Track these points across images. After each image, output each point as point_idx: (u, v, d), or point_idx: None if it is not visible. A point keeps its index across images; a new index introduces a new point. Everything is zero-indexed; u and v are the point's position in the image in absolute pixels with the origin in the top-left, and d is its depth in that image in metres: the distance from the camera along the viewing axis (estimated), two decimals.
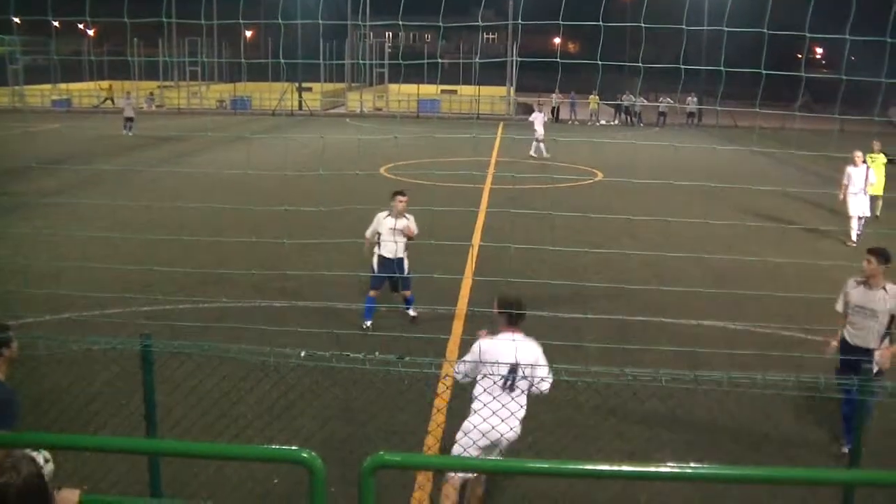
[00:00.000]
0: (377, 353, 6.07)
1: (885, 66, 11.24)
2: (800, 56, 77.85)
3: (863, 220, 19.58)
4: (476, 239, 18.05)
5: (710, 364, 9.58)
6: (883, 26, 9.10)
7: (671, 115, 53.66)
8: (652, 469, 4.05)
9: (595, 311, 13.09)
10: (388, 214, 12.52)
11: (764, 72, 8.09)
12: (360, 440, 8.64)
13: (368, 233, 12.64)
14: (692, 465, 4.41)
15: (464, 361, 7.33)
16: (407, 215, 12.52)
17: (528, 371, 7.07)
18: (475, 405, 7.17)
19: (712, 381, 8.35)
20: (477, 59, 58.48)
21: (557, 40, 74.42)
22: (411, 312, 13.03)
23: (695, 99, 53.39)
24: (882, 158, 21.88)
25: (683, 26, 8.50)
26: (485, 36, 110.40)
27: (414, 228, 12.53)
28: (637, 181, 21.57)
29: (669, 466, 4.16)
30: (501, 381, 7.10)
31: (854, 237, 19.23)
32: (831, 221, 20.59)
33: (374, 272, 12.67)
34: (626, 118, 54.56)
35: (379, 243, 12.59)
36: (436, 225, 17.94)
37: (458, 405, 9.47)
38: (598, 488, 7.99)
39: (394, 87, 59.44)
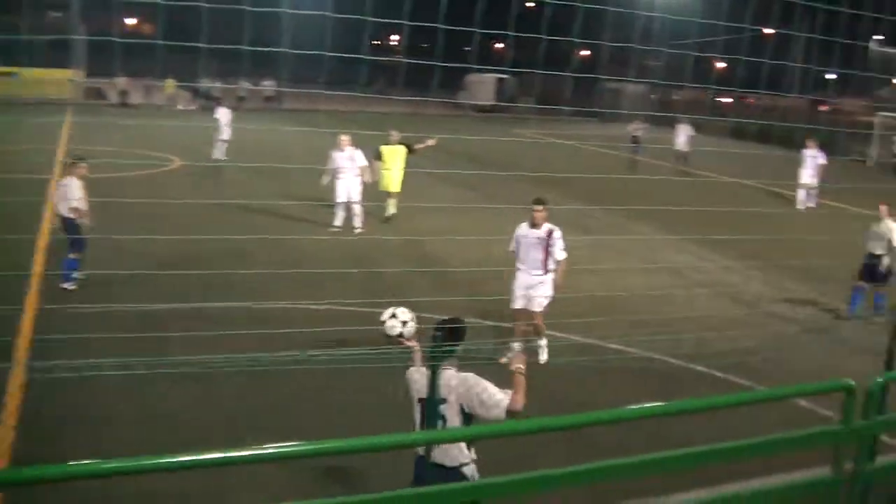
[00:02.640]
0: None
1: (443, 50, 12.05)
2: (377, 42, 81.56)
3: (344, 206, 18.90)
4: (44, 230, 16.73)
5: (297, 342, 9.74)
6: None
7: (252, 100, 53.71)
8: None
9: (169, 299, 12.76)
10: None
11: (328, 54, 8.31)
12: None
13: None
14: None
15: None
16: None
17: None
18: None
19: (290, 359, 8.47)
20: (37, 38, 54.16)
21: (133, 21, 71.24)
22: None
23: (273, 83, 53.84)
24: (402, 150, 20.14)
25: (248, 7, 8.47)
26: (51, 14, 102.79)
27: None
28: (210, 164, 21.11)
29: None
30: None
31: (339, 222, 18.84)
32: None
33: None
34: (206, 102, 53.67)
35: None
36: None
37: None
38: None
39: None
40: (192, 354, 9.51)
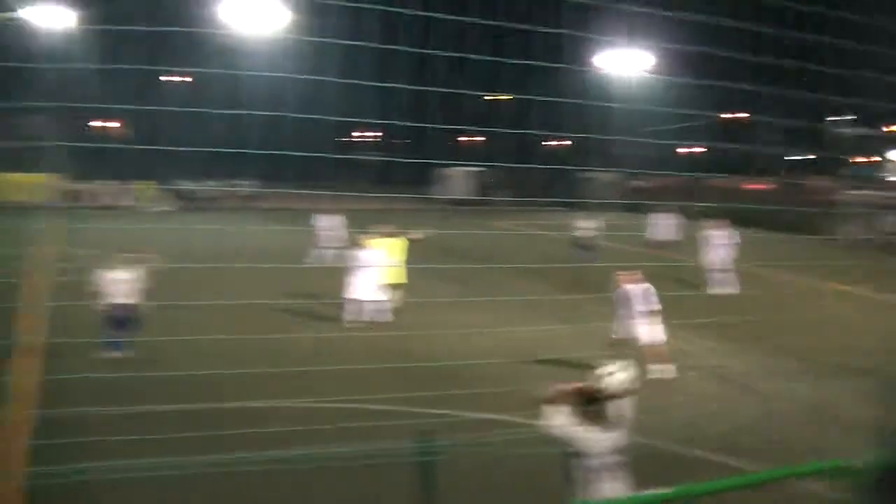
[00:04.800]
0: None
1: (416, 146, 12.19)
2: (352, 138, 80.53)
3: None
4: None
5: (288, 442, 9.59)
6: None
7: (224, 201, 53.57)
8: None
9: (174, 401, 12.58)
10: None
11: (297, 154, 8.40)
12: None
13: None
14: None
15: None
16: None
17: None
18: None
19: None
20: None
21: (116, 124, 71.18)
22: None
23: (251, 183, 53.91)
24: (402, 243, 20.44)
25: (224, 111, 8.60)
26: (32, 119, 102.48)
27: None
28: (183, 266, 20.60)
29: None
30: None
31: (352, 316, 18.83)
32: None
33: None
34: (187, 203, 53.29)
35: None
36: None
37: None
38: None
39: None
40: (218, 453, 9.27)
